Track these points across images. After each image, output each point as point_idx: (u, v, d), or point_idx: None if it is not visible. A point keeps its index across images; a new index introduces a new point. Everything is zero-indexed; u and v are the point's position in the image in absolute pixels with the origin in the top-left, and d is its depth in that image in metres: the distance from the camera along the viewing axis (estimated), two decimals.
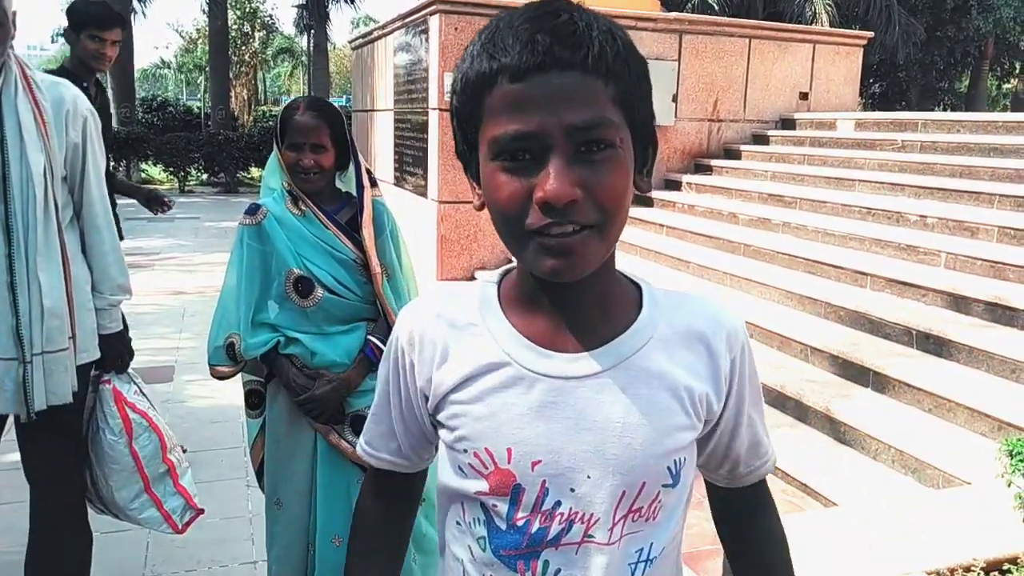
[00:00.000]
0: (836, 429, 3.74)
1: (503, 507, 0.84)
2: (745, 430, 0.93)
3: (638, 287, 0.90)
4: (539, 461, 0.82)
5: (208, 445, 3.74)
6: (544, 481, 0.82)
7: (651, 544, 0.86)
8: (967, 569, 2.01)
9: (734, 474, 0.97)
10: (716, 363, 0.87)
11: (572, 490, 0.82)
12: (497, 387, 0.84)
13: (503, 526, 0.85)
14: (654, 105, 0.85)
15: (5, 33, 1.80)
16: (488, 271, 5.32)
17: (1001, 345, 3.76)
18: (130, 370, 2.27)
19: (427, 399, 0.90)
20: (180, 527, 2.28)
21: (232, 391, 3.94)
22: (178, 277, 7.50)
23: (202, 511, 2.35)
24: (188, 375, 4.75)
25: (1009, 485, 1.67)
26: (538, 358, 0.84)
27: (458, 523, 0.90)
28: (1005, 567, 2.05)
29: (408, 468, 1.00)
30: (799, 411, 3.95)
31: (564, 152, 0.75)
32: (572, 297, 0.84)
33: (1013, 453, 1.64)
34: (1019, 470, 1.62)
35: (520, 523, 0.84)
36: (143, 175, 16.41)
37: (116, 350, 2.17)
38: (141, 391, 2.27)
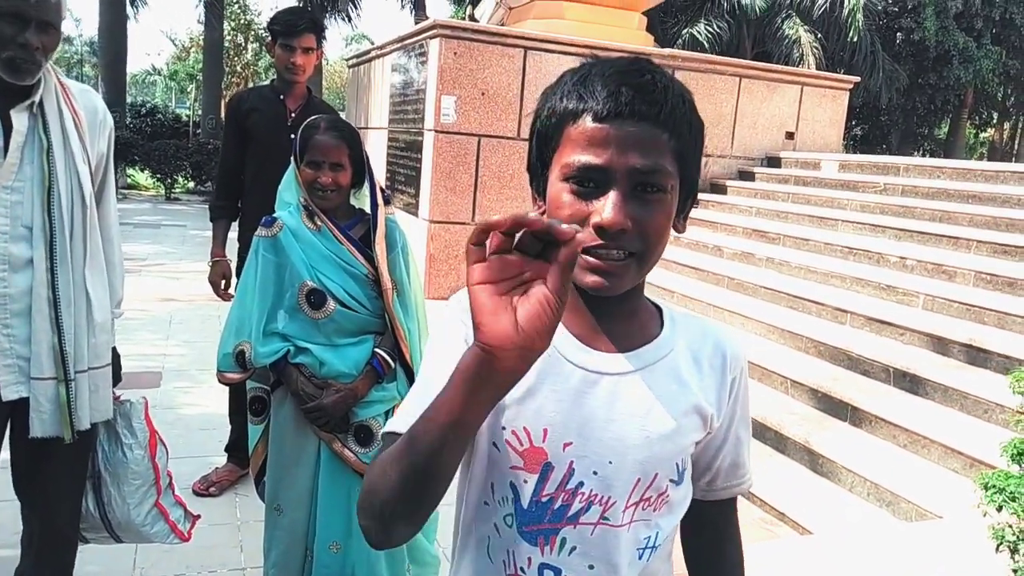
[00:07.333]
0: (814, 460, 3.84)
1: (532, 483, 0.93)
2: (731, 447, 1.05)
3: (659, 308, 1.02)
4: (570, 443, 0.92)
5: (196, 452, 3.76)
6: (572, 462, 0.92)
7: (657, 533, 0.96)
8: None
9: (711, 486, 1.08)
10: (721, 380, 1.00)
11: (595, 472, 0.92)
12: (541, 373, 0.93)
13: (526, 503, 0.94)
14: None
15: (57, 41, 1.77)
16: None
17: (975, 386, 3.87)
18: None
19: None
20: (187, 535, 2.23)
21: (219, 398, 3.98)
22: (165, 284, 7.48)
23: (199, 516, 2.34)
24: (175, 382, 4.76)
25: (984, 515, 1.76)
26: (579, 352, 0.94)
27: (486, 503, 0.97)
28: None
29: None
30: (778, 442, 4.04)
31: (623, 188, 0.87)
32: (606, 309, 0.95)
33: (988, 486, 1.74)
34: (994, 502, 1.71)
35: (544, 499, 0.93)
36: (128, 180, 16.34)
37: (117, 363, 2.11)
38: None
